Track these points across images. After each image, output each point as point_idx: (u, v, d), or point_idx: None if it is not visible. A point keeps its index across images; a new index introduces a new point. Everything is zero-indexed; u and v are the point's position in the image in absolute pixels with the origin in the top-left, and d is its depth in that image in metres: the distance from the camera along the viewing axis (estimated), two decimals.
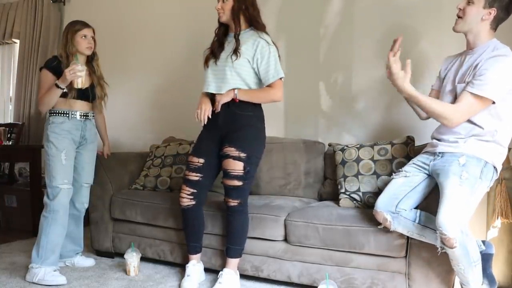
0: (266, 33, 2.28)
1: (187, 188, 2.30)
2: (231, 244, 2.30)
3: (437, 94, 2.18)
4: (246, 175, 2.22)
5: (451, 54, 2.22)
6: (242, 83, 2.25)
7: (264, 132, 2.35)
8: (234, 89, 2.22)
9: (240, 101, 2.23)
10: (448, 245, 1.76)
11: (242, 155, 2.20)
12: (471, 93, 1.88)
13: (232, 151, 2.21)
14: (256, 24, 2.27)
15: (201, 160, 2.29)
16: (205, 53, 2.35)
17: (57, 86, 2.36)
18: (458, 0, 2.06)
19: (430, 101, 1.96)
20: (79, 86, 2.38)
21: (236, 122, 2.25)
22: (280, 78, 2.25)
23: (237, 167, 2.20)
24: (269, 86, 2.25)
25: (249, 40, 2.23)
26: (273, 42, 2.27)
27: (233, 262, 2.31)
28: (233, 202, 2.24)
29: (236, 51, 2.20)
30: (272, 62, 2.22)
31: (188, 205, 2.31)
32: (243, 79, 2.24)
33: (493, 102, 1.88)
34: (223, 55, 2.26)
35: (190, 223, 2.36)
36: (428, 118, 2.25)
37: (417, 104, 2.01)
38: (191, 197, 2.30)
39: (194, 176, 2.29)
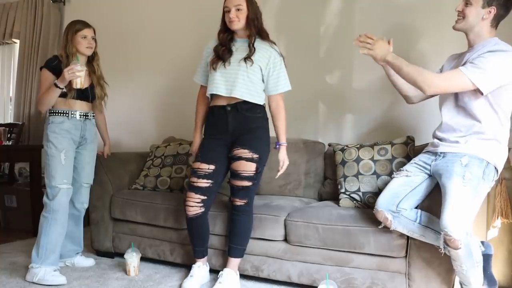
0: (274, 43, 2.32)
1: (197, 196, 2.25)
2: (234, 244, 2.29)
3: None
4: (256, 176, 2.25)
5: (451, 53, 2.22)
6: (252, 88, 2.25)
7: (269, 131, 2.36)
8: (280, 144, 2.31)
9: (249, 103, 2.24)
10: (452, 246, 1.76)
11: (255, 156, 2.22)
12: (462, 72, 1.86)
13: (245, 152, 2.21)
14: (262, 32, 2.30)
15: (212, 167, 2.26)
16: (211, 57, 2.32)
17: (56, 86, 2.36)
18: (457, 0, 2.06)
19: (411, 66, 1.94)
20: (78, 87, 2.37)
21: (247, 124, 2.26)
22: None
23: (250, 168, 2.21)
24: (273, 97, 2.31)
25: (261, 48, 2.26)
26: (280, 53, 2.33)
27: (234, 262, 2.30)
28: (240, 202, 2.25)
29: (250, 58, 2.22)
30: (282, 74, 2.30)
31: (196, 214, 2.26)
32: (254, 85, 2.25)
33: (481, 93, 1.86)
34: (233, 59, 2.25)
35: (197, 231, 2.33)
36: (417, 101, 2.28)
37: (397, 69, 1.99)
38: (201, 204, 2.26)
39: (205, 183, 2.25)
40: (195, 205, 2.25)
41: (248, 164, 2.21)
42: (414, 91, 2.23)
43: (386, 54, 1.99)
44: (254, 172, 2.23)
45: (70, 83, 2.36)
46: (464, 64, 1.93)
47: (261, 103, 2.30)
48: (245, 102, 2.24)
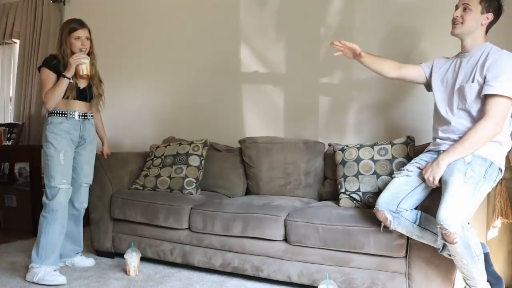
0: None
1: None
2: None
3: (417, 69, 2.24)
4: None
5: (451, 53, 2.22)
6: None
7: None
8: None
9: None
10: (449, 240, 1.76)
11: None
12: (497, 95, 1.86)
13: None
14: None
15: None
16: None
17: (64, 76, 2.38)
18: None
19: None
20: (85, 73, 2.40)
21: None
22: None
23: None
24: None
25: None
26: None
27: None
28: None
29: None
30: None
31: None
32: None
33: None
34: None
35: None
36: (395, 74, 2.27)
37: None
38: None
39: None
40: None
41: None
42: (386, 68, 2.27)
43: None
44: None
45: (75, 75, 2.39)
46: (473, 71, 1.95)
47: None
48: None
